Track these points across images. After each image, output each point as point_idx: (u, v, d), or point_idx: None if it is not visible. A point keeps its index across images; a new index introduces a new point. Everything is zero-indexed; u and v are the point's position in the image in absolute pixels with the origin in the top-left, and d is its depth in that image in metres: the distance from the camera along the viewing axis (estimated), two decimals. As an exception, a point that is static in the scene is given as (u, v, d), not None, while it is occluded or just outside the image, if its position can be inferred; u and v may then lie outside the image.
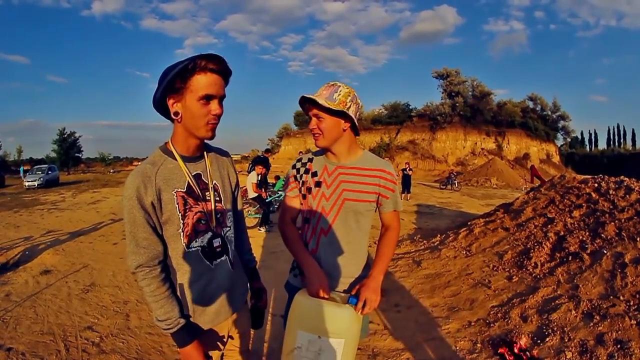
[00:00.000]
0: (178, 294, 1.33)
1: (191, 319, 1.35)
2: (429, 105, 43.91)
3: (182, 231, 1.30)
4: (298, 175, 1.71)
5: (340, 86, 1.55)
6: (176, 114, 1.27)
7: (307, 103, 1.56)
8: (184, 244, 1.31)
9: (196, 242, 1.33)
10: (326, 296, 1.47)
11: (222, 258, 1.40)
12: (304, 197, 1.67)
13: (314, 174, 1.66)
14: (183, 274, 1.34)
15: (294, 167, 1.75)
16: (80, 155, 46.44)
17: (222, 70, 1.26)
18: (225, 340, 1.49)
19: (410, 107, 46.91)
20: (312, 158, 1.72)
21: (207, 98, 1.24)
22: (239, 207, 1.61)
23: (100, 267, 5.12)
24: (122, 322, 3.44)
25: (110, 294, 4.12)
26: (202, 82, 1.22)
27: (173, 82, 1.23)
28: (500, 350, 2.80)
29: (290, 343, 1.43)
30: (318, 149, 1.66)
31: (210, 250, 1.36)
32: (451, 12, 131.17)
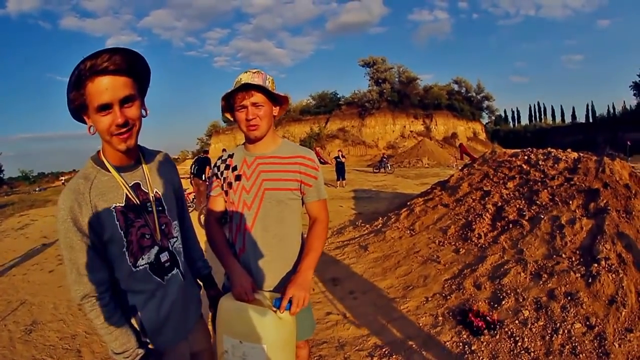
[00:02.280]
0: (132, 318, 1.27)
1: (149, 344, 1.28)
2: (357, 93, 45.90)
3: (127, 250, 1.21)
4: (219, 173, 1.70)
5: (265, 74, 1.58)
6: (91, 128, 1.18)
7: (244, 91, 1.54)
8: (130, 264, 1.23)
9: (143, 259, 1.25)
10: (251, 299, 1.48)
11: (173, 272, 1.34)
12: (226, 193, 1.67)
13: (234, 169, 1.66)
14: (134, 295, 1.26)
15: (215, 165, 1.76)
16: (2, 176, 41.71)
17: (117, 66, 1.11)
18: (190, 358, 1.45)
19: (339, 96, 48.71)
20: (232, 153, 1.73)
21: (103, 108, 1.12)
22: (186, 212, 1.56)
23: (39, 300, 4.73)
24: (74, 360, 3.19)
25: (55, 330, 3.82)
26: (93, 90, 1.10)
27: (72, 100, 1.14)
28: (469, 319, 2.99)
29: (219, 347, 1.46)
30: (258, 139, 1.62)
31: (159, 266, 1.30)
32: (377, 2, 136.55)
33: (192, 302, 1.46)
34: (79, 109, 1.16)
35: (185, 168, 17.60)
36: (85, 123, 1.20)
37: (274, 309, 1.41)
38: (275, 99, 1.61)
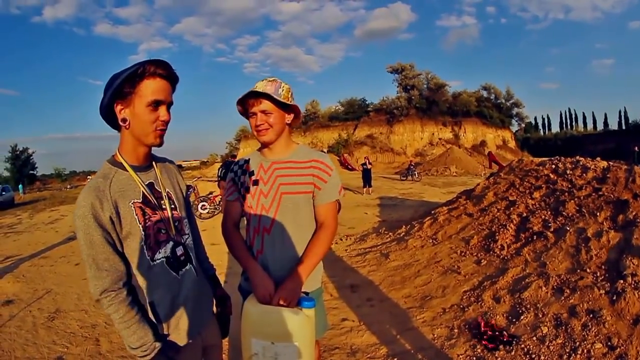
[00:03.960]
0: (149, 312, 1.31)
1: (167, 336, 1.32)
2: (385, 100, 45.63)
3: (145, 244, 1.27)
4: (236, 178, 1.75)
5: (280, 82, 1.62)
6: (124, 120, 1.26)
7: (253, 98, 1.59)
8: (149, 258, 1.28)
9: (160, 253, 1.31)
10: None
11: (187, 267, 1.40)
12: (244, 198, 1.71)
13: (251, 173, 1.70)
14: (151, 289, 1.31)
15: (231, 170, 1.80)
16: (35, 173, 44.75)
17: (170, 76, 1.30)
18: (202, 353, 1.49)
19: (367, 103, 48.56)
20: (249, 159, 1.76)
21: (156, 104, 1.26)
22: (191, 212, 1.62)
23: (63, 291, 5.01)
24: (92, 348, 3.34)
25: (77, 319, 4.02)
26: (151, 87, 1.24)
27: (122, 88, 1.23)
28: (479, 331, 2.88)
29: (247, 351, 1.48)
30: (267, 144, 1.68)
31: (175, 260, 1.36)
32: (405, 9, 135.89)
33: (205, 298, 1.50)
34: (118, 98, 1.25)
35: (213, 171, 18.01)
36: (110, 119, 1.30)
37: (300, 307, 1.45)
38: (286, 107, 1.64)
